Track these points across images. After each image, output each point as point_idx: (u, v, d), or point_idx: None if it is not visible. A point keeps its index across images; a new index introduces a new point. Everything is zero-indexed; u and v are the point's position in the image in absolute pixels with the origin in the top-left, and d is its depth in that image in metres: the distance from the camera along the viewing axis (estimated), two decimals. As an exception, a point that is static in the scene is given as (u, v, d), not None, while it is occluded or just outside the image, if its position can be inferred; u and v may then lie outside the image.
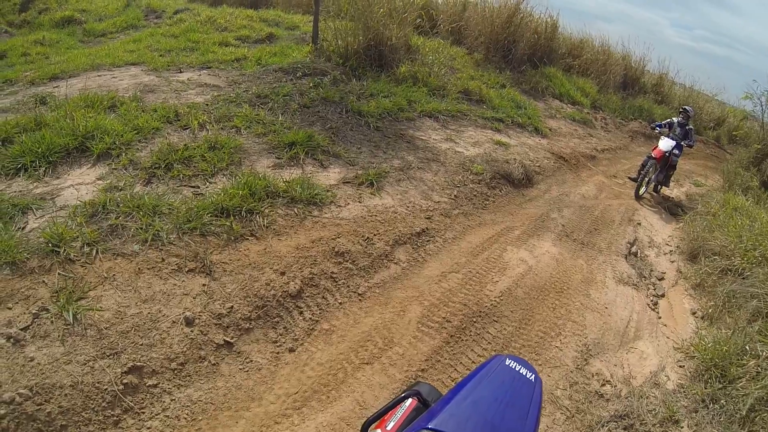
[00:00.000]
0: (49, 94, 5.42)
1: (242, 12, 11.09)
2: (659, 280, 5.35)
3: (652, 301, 4.87)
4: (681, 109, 8.40)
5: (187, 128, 4.91)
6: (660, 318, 4.64)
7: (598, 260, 5.30)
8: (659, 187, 8.29)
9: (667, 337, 4.32)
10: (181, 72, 6.81)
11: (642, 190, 7.88)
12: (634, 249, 5.84)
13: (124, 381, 2.55)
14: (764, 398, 3.31)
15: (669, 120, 8.53)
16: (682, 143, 7.90)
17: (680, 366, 3.94)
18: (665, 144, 7.77)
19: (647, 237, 6.40)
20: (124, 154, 4.18)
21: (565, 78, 12.11)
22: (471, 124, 7.48)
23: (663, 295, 5.04)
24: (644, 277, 5.30)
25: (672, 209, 7.85)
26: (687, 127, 8.11)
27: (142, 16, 11.52)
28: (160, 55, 7.63)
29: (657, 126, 8.43)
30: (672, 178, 8.55)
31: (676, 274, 5.56)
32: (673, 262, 5.86)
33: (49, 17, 11.39)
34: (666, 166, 7.94)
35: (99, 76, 6.40)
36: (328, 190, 4.54)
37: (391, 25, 7.73)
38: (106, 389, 2.48)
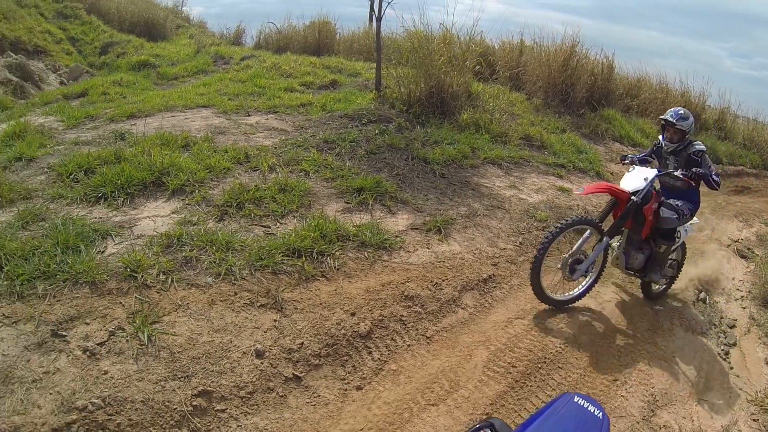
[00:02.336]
0: (127, 131, 5.69)
1: (305, 59, 11.41)
2: (730, 327, 4.98)
3: (722, 350, 4.55)
4: (662, 121, 4.58)
5: (257, 170, 5.01)
6: (732, 368, 4.32)
7: (665, 307, 5.03)
8: (644, 282, 4.81)
9: (740, 389, 4.03)
10: (249, 115, 7.01)
11: (561, 295, 4.33)
12: (702, 295, 5.46)
13: (194, 403, 2.64)
14: None
15: (653, 145, 4.92)
16: (681, 174, 4.21)
17: (754, 420, 3.68)
18: (632, 180, 4.27)
19: (716, 282, 6.01)
20: (197, 191, 4.33)
21: (624, 119, 11.72)
22: (533, 171, 7.35)
23: (734, 344, 4.69)
24: (714, 324, 4.97)
25: (742, 251, 7.30)
26: (692, 151, 4.40)
27: (211, 62, 12.06)
28: (229, 99, 7.89)
29: (630, 158, 4.67)
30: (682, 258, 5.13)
31: (749, 321, 5.19)
32: (744, 308, 5.48)
33: (126, 61, 12.11)
34: (652, 234, 4.42)
35: (173, 116, 6.67)
36: (397, 236, 4.53)
37: (451, 72, 7.77)
38: (175, 408, 2.59)
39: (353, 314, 3.53)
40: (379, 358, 3.38)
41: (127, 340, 2.76)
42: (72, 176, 4.41)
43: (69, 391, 2.48)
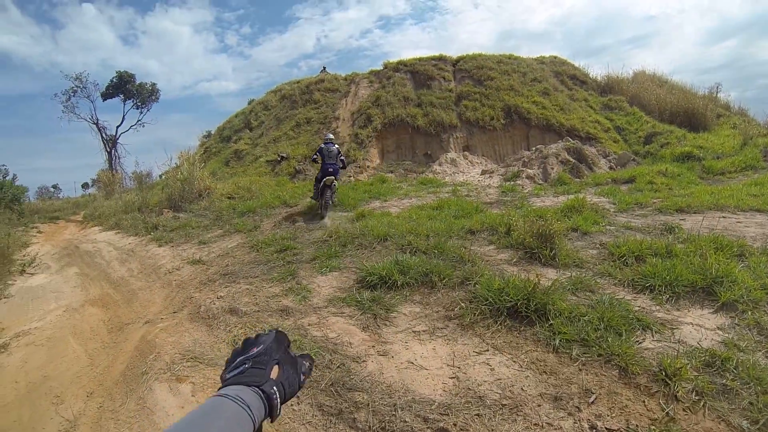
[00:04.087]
0: (677, 225, 5.69)
1: None
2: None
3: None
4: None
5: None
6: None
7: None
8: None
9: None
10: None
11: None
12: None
13: None
14: None
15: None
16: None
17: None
18: None
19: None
20: (750, 313, 3.82)
21: None
22: None
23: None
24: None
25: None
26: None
27: (760, 157, 10.97)
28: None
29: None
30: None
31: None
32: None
33: (670, 151, 12.29)
34: None
35: (723, 217, 6.31)
36: None
37: None
38: None
39: None
40: None
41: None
42: (623, 259, 4.71)
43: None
